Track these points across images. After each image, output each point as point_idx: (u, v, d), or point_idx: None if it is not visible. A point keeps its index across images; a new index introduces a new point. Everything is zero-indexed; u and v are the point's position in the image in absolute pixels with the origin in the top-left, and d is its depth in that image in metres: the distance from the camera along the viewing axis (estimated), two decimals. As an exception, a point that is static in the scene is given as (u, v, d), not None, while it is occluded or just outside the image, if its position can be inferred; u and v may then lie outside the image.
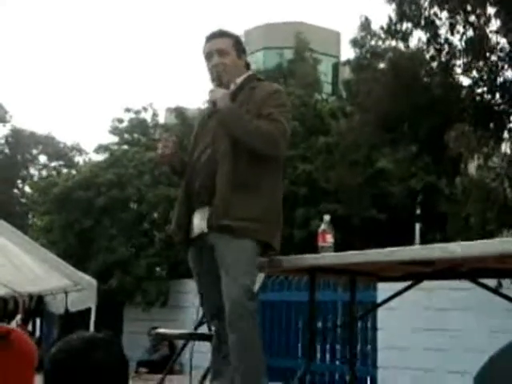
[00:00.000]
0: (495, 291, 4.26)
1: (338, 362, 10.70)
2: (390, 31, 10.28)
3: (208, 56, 4.05)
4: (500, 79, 10.14)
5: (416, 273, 4.17)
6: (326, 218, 4.41)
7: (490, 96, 10.33)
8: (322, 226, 4.32)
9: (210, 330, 4.57)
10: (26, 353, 2.49)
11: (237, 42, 4.09)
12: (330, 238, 4.28)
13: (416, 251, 3.63)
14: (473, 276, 4.10)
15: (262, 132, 3.80)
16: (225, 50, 4.01)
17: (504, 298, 4.04)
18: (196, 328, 5.47)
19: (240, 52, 4.08)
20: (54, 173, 27.60)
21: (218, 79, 3.99)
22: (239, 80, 4.06)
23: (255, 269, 3.89)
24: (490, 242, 3.37)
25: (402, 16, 10.00)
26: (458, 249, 3.40)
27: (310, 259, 4.09)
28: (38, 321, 11.31)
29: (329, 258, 4.05)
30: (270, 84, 4.22)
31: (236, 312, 3.71)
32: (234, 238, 3.77)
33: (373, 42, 11.40)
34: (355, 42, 11.60)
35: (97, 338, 2.16)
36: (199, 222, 3.95)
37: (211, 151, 3.94)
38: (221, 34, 4.07)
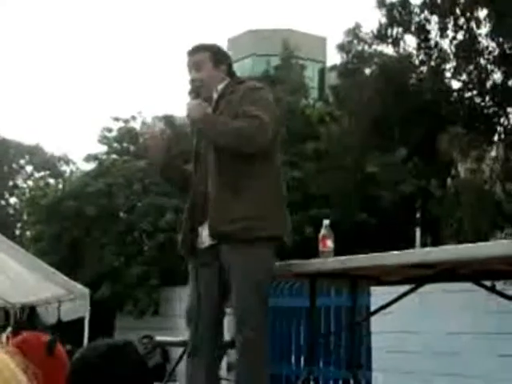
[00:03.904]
0: (498, 292, 4.24)
1: (331, 368, 10.69)
2: (381, 36, 10.29)
3: (188, 70, 4.14)
4: (489, 82, 10.17)
5: (417, 276, 4.15)
6: (326, 222, 4.41)
7: (480, 99, 10.37)
8: (322, 231, 4.32)
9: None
10: (65, 362, 2.48)
11: (213, 53, 4.13)
12: (330, 243, 4.27)
13: (421, 254, 3.62)
14: (475, 278, 4.09)
15: (234, 131, 3.83)
16: (200, 64, 4.07)
17: (507, 299, 4.03)
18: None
19: (218, 62, 4.11)
20: (41, 183, 27.53)
21: (195, 93, 4.05)
22: (220, 87, 4.09)
23: (267, 271, 3.90)
24: (496, 244, 3.37)
25: (392, 21, 10.02)
26: (463, 251, 3.39)
27: (312, 264, 4.07)
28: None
29: (332, 262, 4.03)
30: (249, 83, 4.26)
31: (244, 317, 3.78)
32: (239, 243, 3.79)
33: (359, 48, 11.44)
34: (342, 48, 11.62)
35: (121, 344, 2.15)
36: (206, 235, 3.96)
37: (204, 169, 4.00)
38: (197, 49, 4.14)
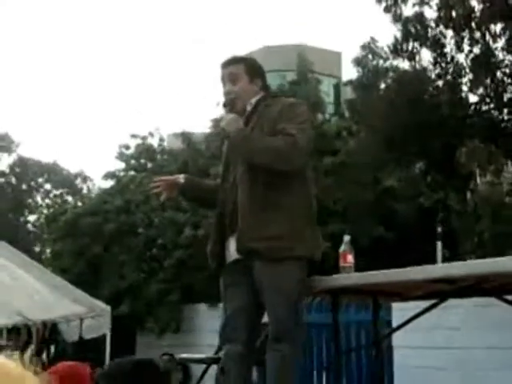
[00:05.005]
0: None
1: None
2: (397, 50, 10.32)
3: (222, 83, 4.09)
4: (507, 95, 10.17)
5: (440, 291, 4.14)
6: (347, 238, 4.41)
7: (497, 112, 10.37)
8: (343, 247, 4.32)
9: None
10: None
11: (249, 66, 4.09)
12: (350, 259, 4.27)
13: (446, 269, 3.61)
14: (498, 293, 4.08)
15: (270, 149, 3.77)
16: (236, 76, 4.02)
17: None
18: (217, 352, 5.47)
19: (253, 76, 4.06)
20: (59, 200, 27.69)
21: (230, 106, 4.02)
22: (253, 100, 4.05)
23: (300, 287, 3.85)
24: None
25: (407, 35, 10.05)
26: (488, 266, 3.38)
27: (335, 280, 4.06)
28: (51, 349, 11.28)
29: (354, 278, 4.02)
30: (286, 98, 4.19)
31: (279, 333, 3.74)
32: (269, 262, 3.76)
33: (375, 62, 11.46)
34: (358, 62, 11.65)
35: (145, 361, 2.17)
36: (234, 249, 3.93)
37: (233, 177, 3.98)
38: (233, 61, 4.09)
